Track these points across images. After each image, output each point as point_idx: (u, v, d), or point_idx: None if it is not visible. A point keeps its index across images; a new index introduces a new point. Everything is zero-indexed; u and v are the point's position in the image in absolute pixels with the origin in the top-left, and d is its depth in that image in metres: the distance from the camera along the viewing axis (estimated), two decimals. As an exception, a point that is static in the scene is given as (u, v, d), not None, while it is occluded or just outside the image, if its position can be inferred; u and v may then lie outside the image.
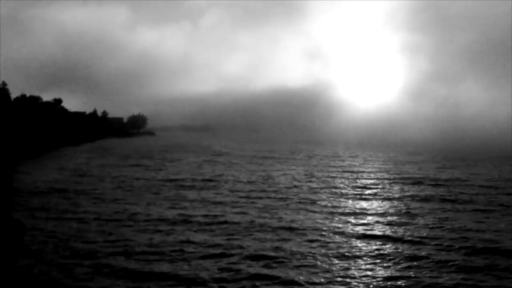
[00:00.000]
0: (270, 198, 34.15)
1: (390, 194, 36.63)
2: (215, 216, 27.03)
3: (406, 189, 39.36)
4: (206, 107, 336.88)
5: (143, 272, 16.98)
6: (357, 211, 29.64)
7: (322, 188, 39.98)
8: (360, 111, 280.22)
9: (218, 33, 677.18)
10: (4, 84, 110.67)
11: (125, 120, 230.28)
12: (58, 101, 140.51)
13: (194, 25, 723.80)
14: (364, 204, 32.56)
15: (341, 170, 57.24)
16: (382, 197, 35.49)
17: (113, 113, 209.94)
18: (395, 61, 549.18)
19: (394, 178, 47.51)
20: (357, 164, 66.52)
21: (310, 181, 44.91)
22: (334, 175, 51.44)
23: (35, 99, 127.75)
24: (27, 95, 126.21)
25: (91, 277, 16.33)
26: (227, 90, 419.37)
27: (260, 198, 34.03)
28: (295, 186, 40.92)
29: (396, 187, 40.90)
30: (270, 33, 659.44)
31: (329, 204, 31.65)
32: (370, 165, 64.59)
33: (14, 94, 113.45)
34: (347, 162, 70.13)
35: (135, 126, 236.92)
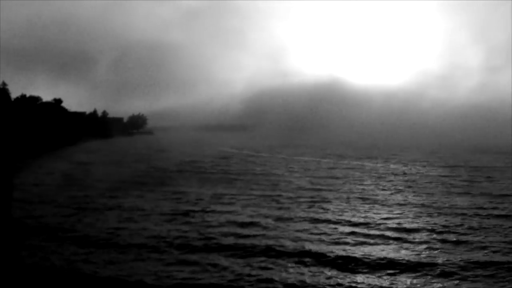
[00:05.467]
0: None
1: None
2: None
3: None
4: (231, 102, 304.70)
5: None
6: None
7: None
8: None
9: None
10: (4, 84, 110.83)
11: (125, 120, 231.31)
12: (58, 101, 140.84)
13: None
14: None
15: None
16: None
17: (115, 109, 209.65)
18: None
19: None
20: None
21: None
22: None
23: (35, 99, 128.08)
24: (27, 94, 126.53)
25: (91, 275, 16.39)
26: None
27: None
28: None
29: None
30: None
31: None
32: None
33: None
34: None
35: (135, 126, 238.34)
